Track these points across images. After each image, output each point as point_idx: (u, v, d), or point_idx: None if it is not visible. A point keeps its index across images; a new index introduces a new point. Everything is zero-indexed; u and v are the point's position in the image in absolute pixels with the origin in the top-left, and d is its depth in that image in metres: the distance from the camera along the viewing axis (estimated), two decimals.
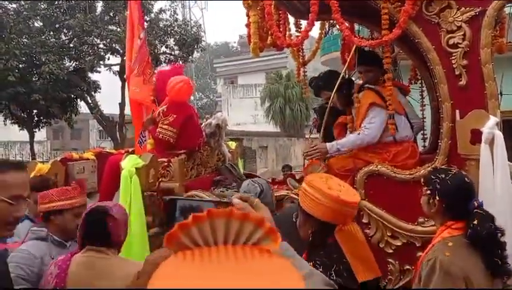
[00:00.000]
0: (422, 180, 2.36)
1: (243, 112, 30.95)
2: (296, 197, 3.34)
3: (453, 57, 2.98)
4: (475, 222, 2.05)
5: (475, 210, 2.10)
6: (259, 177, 4.60)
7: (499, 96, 3.00)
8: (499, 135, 2.73)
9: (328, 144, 3.53)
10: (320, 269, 1.95)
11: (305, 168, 3.40)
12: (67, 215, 2.61)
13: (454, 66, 2.98)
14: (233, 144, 4.89)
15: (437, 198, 2.16)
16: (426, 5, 3.02)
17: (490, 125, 2.73)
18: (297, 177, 4.72)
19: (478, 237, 2.02)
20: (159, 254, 1.84)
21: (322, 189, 2.20)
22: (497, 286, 2.08)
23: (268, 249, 0.87)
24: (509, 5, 2.99)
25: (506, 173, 2.72)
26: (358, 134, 3.45)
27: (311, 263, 2.00)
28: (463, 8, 2.94)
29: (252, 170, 17.66)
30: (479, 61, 2.92)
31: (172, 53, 16.11)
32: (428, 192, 2.21)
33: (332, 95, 3.58)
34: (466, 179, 2.25)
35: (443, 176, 2.20)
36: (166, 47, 15.97)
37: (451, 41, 2.98)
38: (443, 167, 2.67)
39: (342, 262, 2.12)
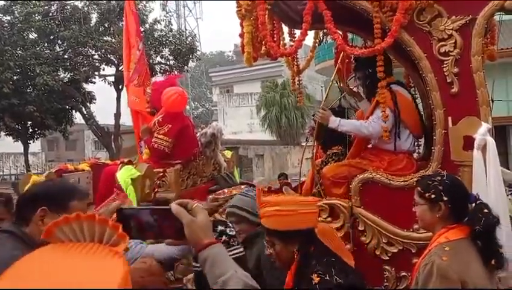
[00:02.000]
0: (417, 190, 2.26)
1: (239, 120, 31.02)
2: None
3: (444, 65, 3.02)
4: (481, 213, 2.05)
5: (478, 201, 2.12)
6: (249, 185, 4.62)
7: (491, 102, 3.03)
8: (491, 141, 2.76)
9: (332, 117, 3.55)
10: (327, 277, 1.94)
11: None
12: None
13: (446, 73, 3.02)
14: (229, 153, 4.90)
15: (444, 199, 2.12)
16: (417, 14, 3.06)
17: (482, 132, 2.77)
18: (293, 185, 4.74)
19: (488, 226, 2.02)
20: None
21: (294, 200, 2.27)
22: (494, 286, 2.10)
23: (118, 250, 1.06)
24: (499, 13, 3.02)
25: (498, 178, 2.75)
26: (364, 122, 3.48)
27: (316, 276, 1.95)
28: (453, 17, 2.98)
29: (249, 179, 17.64)
30: (470, 68, 2.97)
31: (168, 63, 16.16)
32: (433, 196, 2.15)
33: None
34: (456, 177, 2.29)
35: (439, 178, 2.20)
36: (161, 57, 16.03)
37: (442, 50, 3.02)
38: (427, 173, 2.67)
39: (333, 263, 2.11)
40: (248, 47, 3.45)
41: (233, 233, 2.05)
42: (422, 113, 4.03)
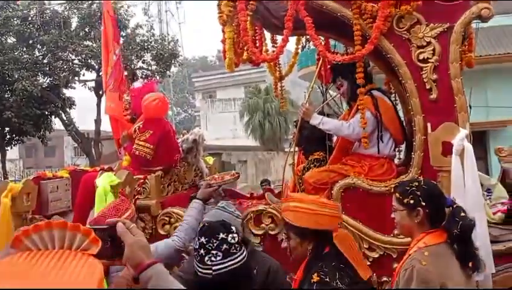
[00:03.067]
0: (395, 196, 2.28)
1: (222, 126, 30.93)
2: (274, 212, 3.35)
3: (423, 72, 3.07)
4: (458, 217, 2.09)
5: (454, 205, 2.16)
6: (232, 193, 4.60)
7: (468, 109, 3.08)
8: (469, 147, 2.80)
9: (315, 114, 3.63)
10: (327, 279, 2.02)
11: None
12: None
13: (425, 80, 3.07)
14: (210, 159, 4.87)
15: (423, 204, 2.15)
16: (397, 22, 3.10)
17: (460, 138, 2.81)
18: (276, 191, 4.73)
19: (465, 229, 2.06)
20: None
21: (316, 200, 2.34)
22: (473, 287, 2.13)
23: (90, 253, 1.14)
24: (476, 21, 3.08)
25: (476, 183, 2.79)
26: (346, 122, 3.52)
27: (316, 275, 2.05)
28: (432, 24, 3.03)
29: (232, 185, 17.57)
30: (449, 75, 3.02)
31: (149, 68, 16.03)
32: (412, 202, 2.18)
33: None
34: (434, 182, 2.34)
35: (417, 184, 2.22)
36: (143, 62, 15.89)
37: (421, 56, 3.07)
38: (405, 179, 2.71)
39: (341, 268, 2.13)
40: (230, 53, 3.45)
41: (236, 240, 1.96)
42: (403, 119, 4.09)
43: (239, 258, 1.94)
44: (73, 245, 1.16)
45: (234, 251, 1.94)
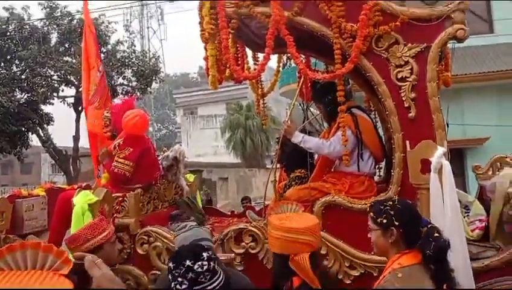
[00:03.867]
0: (370, 215, 2.25)
1: (203, 143, 30.82)
2: (255, 230, 3.32)
3: (402, 90, 3.12)
4: (432, 238, 2.07)
5: (429, 225, 2.14)
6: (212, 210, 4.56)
7: (446, 127, 3.14)
8: (447, 164, 2.84)
9: (297, 132, 3.64)
10: None
11: (269, 207, 3.32)
12: (107, 247, 2.67)
13: (403, 98, 3.12)
14: (191, 177, 4.82)
15: (396, 224, 2.12)
16: (376, 41, 3.16)
17: (438, 155, 2.85)
18: (257, 209, 4.71)
19: (439, 249, 2.04)
20: None
21: (272, 222, 2.33)
22: None
23: (62, 273, 1.23)
24: (452, 41, 3.16)
25: (454, 200, 2.82)
26: (326, 141, 3.54)
27: None
28: (409, 44, 3.10)
29: (213, 203, 17.44)
30: (426, 94, 3.08)
31: (130, 84, 15.92)
32: (385, 221, 2.15)
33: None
34: (409, 201, 2.31)
35: (391, 203, 2.20)
36: (123, 78, 15.77)
37: (399, 75, 3.12)
38: (380, 199, 2.68)
39: None
40: (213, 70, 3.45)
41: (205, 268, 1.85)
42: (383, 136, 4.14)
43: (209, 288, 1.85)
44: (45, 265, 1.22)
45: (203, 279, 1.84)
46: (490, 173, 3.79)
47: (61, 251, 1.28)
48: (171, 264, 1.90)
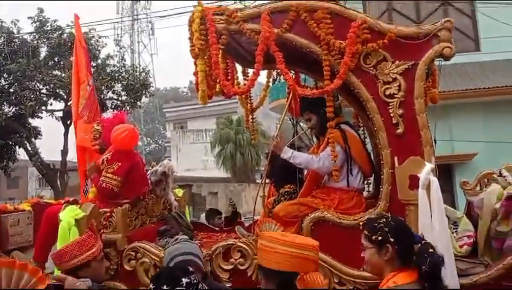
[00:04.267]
0: (364, 233, 2.22)
1: (193, 157, 30.73)
2: (244, 246, 3.30)
3: (390, 107, 3.15)
4: (427, 253, 2.05)
5: (423, 241, 2.13)
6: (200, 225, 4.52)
7: (434, 143, 3.17)
8: (435, 181, 2.86)
9: (286, 147, 3.63)
10: None
11: (257, 224, 3.28)
12: (94, 264, 2.66)
13: (391, 115, 3.15)
14: (180, 192, 4.79)
15: (391, 241, 2.10)
16: (364, 58, 3.20)
17: (426, 171, 2.87)
18: (246, 224, 4.68)
19: (434, 265, 2.02)
20: None
21: (275, 237, 2.21)
22: None
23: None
24: (439, 59, 3.21)
25: (442, 216, 2.84)
26: (316, 156, 3.52)
27: None
28: (397, 61, 3.14)
29: (201, 218, 17.28)
30: (414, 110, 3.11)
31: (120, 98, 15.87)
32: (380, 238, 2.12)
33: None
34: (400, 218, 2.32)
35: (384, 220, 2.18)
36: (113, 92, 15.72)
37: (388, 92, 3.16)
38: (372, 216, 2.67)
39: None
40: (202, 85, 3.46)
41: (197, 279, 1.88)
42: (371, 152, 4.16)
43: None
44: (20, 284, 1.29)
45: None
46: (478, 188, 3.83)
47: (36, 269, 1.37)
48: (151, 286, 1.90)
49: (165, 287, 1.83)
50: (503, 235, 3.09)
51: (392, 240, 2.10)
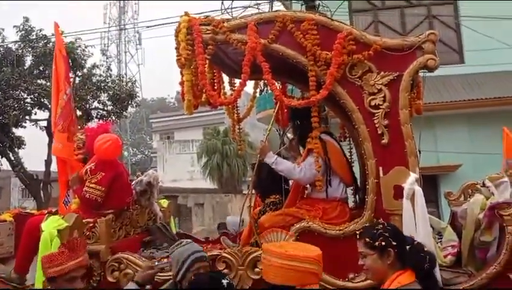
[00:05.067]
0: (364, 241, 2.25)
1: (179, 168, 30.52)
2: (229, 257, 3.27)
3: (375, 117, 3.18)
4: (423, 253, 2.14)
5: (415, 242, 2.22)
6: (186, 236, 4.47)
7: (418, 153, 3.19)
8: (419, 191, 2.88)
9: (270, 152, 3.62)
10: None
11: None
12: (60, 281, 2.65)
13: (376, 125, 3.17)
14: (165, 202, 4.75)
15: (393, 244, 2.17)
16: (350, 69, 3.23)
17: (410, 182, 2.89)
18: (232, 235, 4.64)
19: (432, 263, 2.11)
20: None
21: (271, 249, 2.12)
22: None
23: None
24: (423, 70, 3.25)
25: (426, 225, 2.85)
26: (298, 166, 3.51)
27: None
28: (382, 73, 3.18)
29: (188, 229, 17.16)
30: (399, 121, 3.14)
31: (105, 108, 15.74)
32: (383, 243, 2.18)
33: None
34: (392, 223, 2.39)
35: (382, 226, 2.27)
36: (99, 102, 15.59)
37: (373, 103, 3.19)
38: (367, 225, 2.71)
39: None
40: (188, 95, 3.45)
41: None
42: (358, 162, 4.17)
43: None
44: None
45: None
46: (462, 199, 3.87)
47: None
48: None
49: None
50: (487, 244, 3.12)
51: (394, 243, 2.18)
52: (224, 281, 1.91)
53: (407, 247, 2.22)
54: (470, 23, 9.72)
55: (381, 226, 2.27)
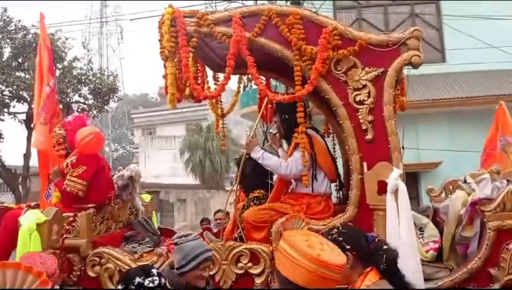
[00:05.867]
0: None
1: (161, 163, 30.28)
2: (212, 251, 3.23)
3: (359, 113, 3.19)
4: (382, 251, 2.11)
5: (376, 239, 2.18)
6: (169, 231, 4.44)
7: (402, 149, 3.21)
8: (403, 186, 2.90)
9: (257, 147, 3.61)
10: None
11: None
12: None
13: (361, 121, 3.18)
14: (147, 197, 4.69)
15: (347, 248, 2.12)
16: (335, 64, 3.23)
17: (394, 177, 2.90)
18: (215, 230, 4.62)
19: (391, 260, 2.08)
20: None
21: (300, 247, 1.95)
22: None
23: None
24: (407, 67, 3.27)
25: (409, 220, 2.88)
26: (284, 162, 3.50)
27: None
28: (367, 68, 3.19)
29: (170, 224, 17.05)
30: (383, 117, 3.15)
31: (86, 102, 15.48)
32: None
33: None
34: (350, 224, 2.37)
35: (336, 230, 2.20)
36: (79, 96, 15.32)
37: (357, 98, 3.19)
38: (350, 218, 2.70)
39: None
40: (172, 88, 3.40)
41: (155, 284, 1.89)
42: (341, 158, 4.19)
43: None
44: (24, 285, 1.35)
45: None
46: (443, 195, 3.92)
47: (40, 271, 1.41)
48: (120, 287, 1.90)
49: (119, 286, 1.91)
50: (467, 240, 3.17)
51: (348, 247, 2.11)
52: (154, 270, 1.96)
53: (369, 246, 2.16)
54: (451, 22, 9.86)
55: (335, 231, 2.19)
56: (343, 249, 2.09)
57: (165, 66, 3.43)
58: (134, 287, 1.84)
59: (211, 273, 3.18)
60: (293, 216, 3.11)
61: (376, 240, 2.19)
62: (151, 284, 1.86)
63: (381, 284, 2.07)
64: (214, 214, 5.94)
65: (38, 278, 1.35)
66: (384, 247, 2.13)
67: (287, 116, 3.52)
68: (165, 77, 3.46)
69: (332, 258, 1.92)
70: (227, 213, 5.79)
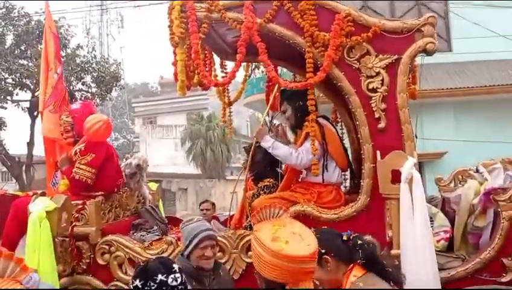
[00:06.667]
0: None
1: (162, 153, 30.27)
2: (222, 239, 3.22)
3: (372, 101, 3.14)
4: (357, 246, 2.12)
5: (351, 236, 2.17)
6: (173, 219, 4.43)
7: (415, 138, 3.17)
8: (417, 175, 2.87)
9: (267, 136, 3.57)
10: None
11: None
12: None
13: (374, 109, 3.14)
14: (154, 186, 4.67)
15: (323, 252, 2.08)
16: (348, 51, 3.17)
17: (409, 166, 2.87)
18: (221, 219, 4.61)
19: (368, 254, 2.09)
20: None
21: (264, 242, 1.88)
22: None
23: (18, 280, 1.43)
24: (421, 55, 3.21)
25: (424, 210, 2.84)
26: (295, 151, 3.46)
27: None
28: (381, 55, 3.13)
29: (171, 213, 17.10)
30: (396, 105, 3.11)
31: (89, 90, 15.43)
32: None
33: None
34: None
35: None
36: (83, 84, 15.26)
37: (370, 86, 3.14)
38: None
39: None
40: (181, 75, 3.35)
41: (179, 281, 1.75)
42: (349, 148, 4.15)
43: None
44: (6, 272, 1.38)
45: None
46: (452, 185, 3.88)
47: (20, 258, 1.42)
48: (138, 282, 1.75)
49: (137, 282, 1.79)
50: (480, 230, 3.14)
51: (323, 251, 2.08)
52: (175, 266, 1.81)
53: (348, 244, 2.16)
54: (458, 10, 9.76)
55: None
56: (320, 254, 2.02)
57: (174, 52, 3.38)
58: (156, 284, 1.71)
59: (222, 261, 3.18)
60: (271, 205, 2.96)
61: (351, 237, 2.18)
62: (174, 283, 1.74)
63: (368, 277, 2.06)
64: (200, 205, 5.90)
65: (19, 265, 1.40)
66: (359, 242, 2.14)
67: (301, 103, 3.46)
68: (174, 64, 3.41)
69: (297, 250, 1.82)
70: (213, 204, 5.81)
